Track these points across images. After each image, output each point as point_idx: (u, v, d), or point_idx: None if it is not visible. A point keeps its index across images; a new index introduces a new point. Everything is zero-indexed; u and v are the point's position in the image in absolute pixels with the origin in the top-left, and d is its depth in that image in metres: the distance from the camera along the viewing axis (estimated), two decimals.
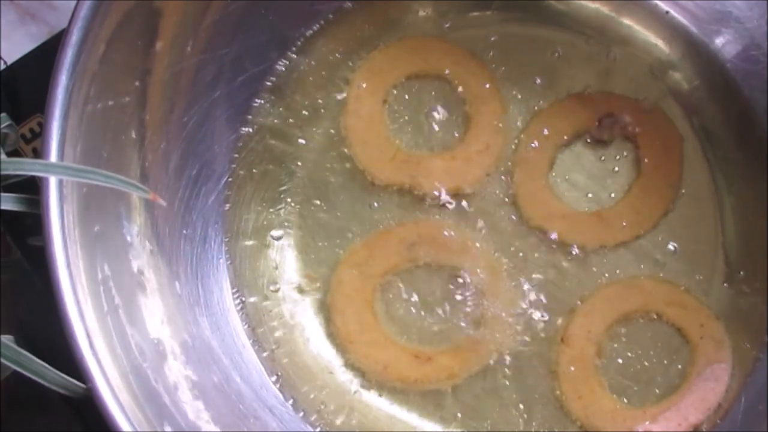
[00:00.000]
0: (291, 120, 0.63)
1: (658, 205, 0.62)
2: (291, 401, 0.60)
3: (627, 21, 0.64)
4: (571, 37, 0.64)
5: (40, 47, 0.63)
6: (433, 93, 0.64)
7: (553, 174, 0.63)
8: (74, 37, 0.48)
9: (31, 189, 0.47)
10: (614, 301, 0.60)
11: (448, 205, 0.62)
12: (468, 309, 0.61)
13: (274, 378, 0.60)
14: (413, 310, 0.61)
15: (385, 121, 0.63)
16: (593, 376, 0.60)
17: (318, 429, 0.60)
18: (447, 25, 0.65)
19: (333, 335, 0.61)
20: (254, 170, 0.63)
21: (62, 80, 0.47)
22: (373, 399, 0.61)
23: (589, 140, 0.63)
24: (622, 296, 0.60)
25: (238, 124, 0.63)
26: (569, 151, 0.63)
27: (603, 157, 0.63)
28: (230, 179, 0.62)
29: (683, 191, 0.62)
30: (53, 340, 0.46)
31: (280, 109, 0.63)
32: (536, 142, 0.63)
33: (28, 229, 0.54)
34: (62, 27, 0.48)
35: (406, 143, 0.63)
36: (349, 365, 0.61)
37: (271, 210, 0.63)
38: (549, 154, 0.63)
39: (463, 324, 0.60)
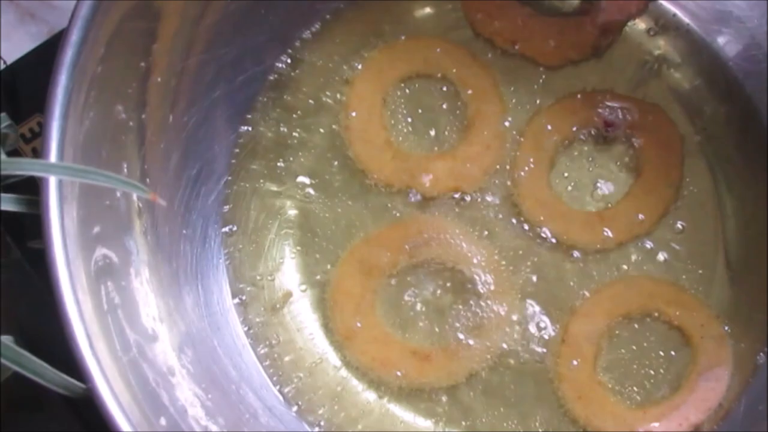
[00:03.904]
0: (291, 120, 0.63)
1: (658, 205, 0.62)
2: (290, 400, 0.60)
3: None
4: None
5: (40, 47, 0.63)
6: (433, 93, 0.64)
7: (553, 174, 0.63)
8: (74, 37, 0.48)
9: (31, 189, 0.47)
10: (614, 301, 0.60)
11: (448, 205, 0.62)
12: (468, 308, 0.61)
13: (273, 378, 0.60)
14: (413, 309, 0.61)
15: (385, 121, 0.63)
16: (593, 376, 0.60)
17: (317, 428, 0.60)
18: (447, 25, 0.65)
19: (332, 334, 0.61)
20: (254, 170, 0.63)
21: (62, 80, 0.47)
22: (372, 398, 0.61)
23: (589, 140, 0.63)
24: (622, 296, 0.60)
25: (238, 124, 0.63)
26: (569, 151, 0.63)
27: (603, 157, 0.63)
28: (230, 179, 0.62)
29: (683, 191, 0.62)
30: (53, 340, 0.45)
31: (280, 109, 0.63)
32: (536, 142, 0.63)
33: (27, 230, 0.54)
34: (62, 27, 0.48)
35: (406, 143, 0.63)
36: (349, 364, 0.61)
37: (271, 209, 0.63)
38: (549, 153, 0.63)
39: (462, 323, 0.60)
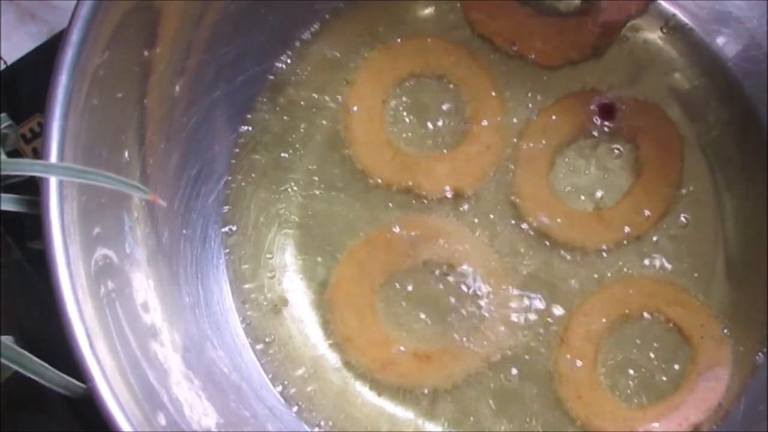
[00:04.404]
0: (291, 120, 0.63)
1: (658, 205, 0.62)
2: (290, 400, 0.60)
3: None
4: None
5: (40, 47, 0.63)
6: (433, 93, 0.64)
7: (553, 174, 0.63)
8: (74, 37, 0.48)
9: (31, 189, 0.47)
10: (614, 301, 0.60)
11: (448, 205, 0.62)
12: (467, 308, 0.61)
13: (273, 377, 0.60)
14: (412, 310, 0.61)
15: (385, 121, 0.63)
16: (593, 376, 0.60)
17: (317, 429, 0.60)
18: (447, 25, 0.65)
19: (332, 334, 0.61)
20: (254, 170, 0.63)
21: (62, 80, 0.47)
22: (372, 398, 0.61)
23: (589, 140, 0.63)
24: (622, 296, 0.60)
25: (238, 124, 0.63)
26: (569, 151, 0.63)
27: (603, 157, 0.63)
28: (230, 179, 0.62)
29: (683, 191, 0.62)
30: (53, 340, 0.46)
31: (280, 109, 0.63)
32: (536, 142, 0.63)
33: (27, 230, 0.54)
34: (62, 27, 0.48)
35: (406, 143, 0.63)
36: (348, 364, 0.61)
37: (271, 209, 0.63)
38: (549, 153, 0.63)
39: (462, 323, 0.60)
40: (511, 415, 0.60)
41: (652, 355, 0.60)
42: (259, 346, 0.61)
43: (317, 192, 0.63)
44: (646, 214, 0.61)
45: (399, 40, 0.64)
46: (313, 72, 0.64)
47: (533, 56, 0.64)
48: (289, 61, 0.64)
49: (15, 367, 0.45)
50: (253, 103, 0.63)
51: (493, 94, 0.63)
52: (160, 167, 0.56)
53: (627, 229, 0.61)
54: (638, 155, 0.63)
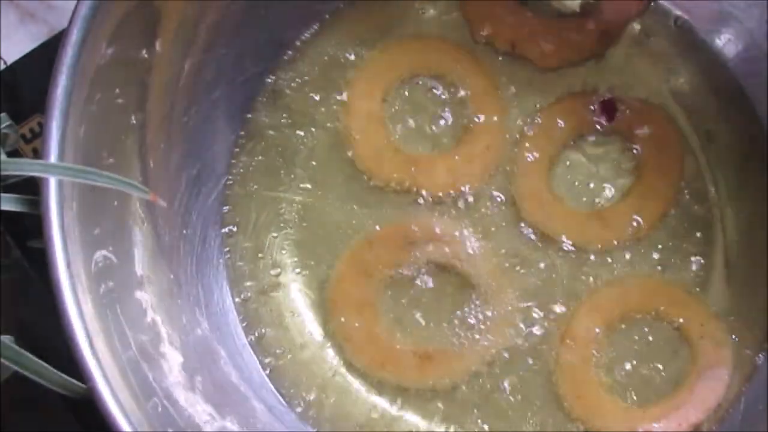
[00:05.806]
0: (291, 120, 0.63)
1: (658, 205, 0.62)
2: (290, 401, 0.60)
3: None
4: None
5: (40, 47, 0.64)
6: (433, 93, 0.64)
7: (553, 174, 0.63)
8: (74, 37, 0.48)
9: (31, 189, 0.47)
10: (614, 301, 0.60)
11: (448, 205, 0.62)
12: (467, 309, 0.61)
13: (273, 377, 0.60)
14: (413, 310, 0.61)
15: (385, 121, 0.63)
16: (593, 376, 0.60)
17: (317, 428, 0.60)
18: (447, 26, 0.65)
19: (332, 334, 0.61)
20: (254, 170, 0.63)
21: (62, 80, 0.47)
22: (372, 398, 0.61)
23: (589, 140, 0.63)
24: (622, 296, 0.61)
25: (238, 124, 0.63)
26: (569, 151, 0.63)
27: (603, 157, 0.63)
28: (230, 179, 0.62)
29: (683, 191, 0.62)
30: (53, 340, 0.46)
31: (280, 109, 0.63)
32: (536, 142, 0.63)
33: (27, 230, 0.54)
34: (62, 27, 0.48)
35: (406, 143, 0.63)
36: (349, 364, 0.61)
37: (271, 209, 0.63)
38: (549, 154, 0.63)
39: (462, 323, 0.60)
40: (511, 415, 0.60)
41: (652, 355, 0.60)
42: (258, 346, 0.61)
43: (317, 192, 0.63)
44: (645, 214, 0.61)
45: (399, 40, 0.64)
46: (313, 72, 0.64)
47: (533, 57, 0.63)
48: (289, 61, 0.64)
49: (15, 367, 0.45)
50: (253, 104, 0.63)
51: (493, 94, 0.63)
52: (160, 167, 0.56)
53: (627, 229, 0.61)
54: (638, 155, 0.63)
